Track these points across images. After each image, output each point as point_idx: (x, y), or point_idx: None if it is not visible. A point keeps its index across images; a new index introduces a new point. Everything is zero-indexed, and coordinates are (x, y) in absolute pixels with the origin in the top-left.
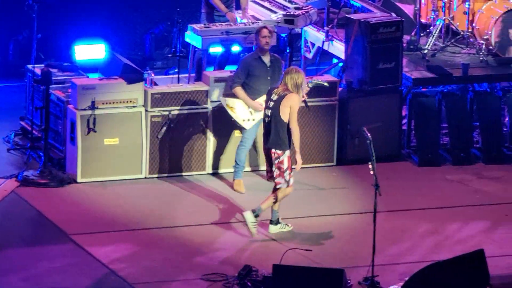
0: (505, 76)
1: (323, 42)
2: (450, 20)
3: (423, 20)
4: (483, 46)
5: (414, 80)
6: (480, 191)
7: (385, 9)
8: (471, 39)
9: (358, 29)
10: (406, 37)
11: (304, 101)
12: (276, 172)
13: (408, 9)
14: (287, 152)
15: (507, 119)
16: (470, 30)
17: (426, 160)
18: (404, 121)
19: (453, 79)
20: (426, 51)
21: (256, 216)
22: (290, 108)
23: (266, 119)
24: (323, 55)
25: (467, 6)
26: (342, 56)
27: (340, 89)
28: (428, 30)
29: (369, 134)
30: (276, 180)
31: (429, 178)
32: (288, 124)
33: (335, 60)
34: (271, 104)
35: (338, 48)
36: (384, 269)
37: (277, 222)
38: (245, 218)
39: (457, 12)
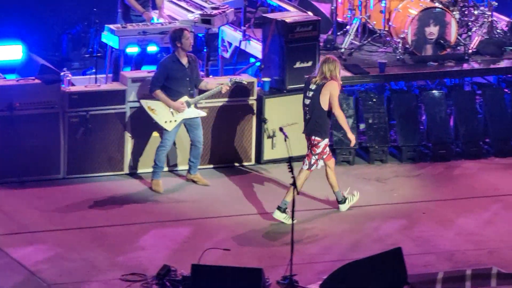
0: (421, 74)
1: (240, 41)
2: (367, 19)
3: (339, 19)
4: (400, 45)
5: None
6: (397, 189)
7: (302, 8)
8: (387, 38)
9: (275, 28)
10: (323, 36)
11: None
12: (307, 152)
13: (325, 8)
14: (326, 140)
15: (424, 117)
16: (386, 29)
17: (341, 158)
18: None
19: (370, 78)
20: (343, 50)
21: (284, 211)
22: (330, 95)
23: (306, 108)
24: (241, 55)
25: (383, 4)
26: (260, 56)
27: (257, 88)
28: (345, 29)
29: (286, 133)
30: (305, 162)
31: (346, 176)
32: (328, 112)
33: (252, 60)
34: (310, 93)
35: (255, 48)
36: (302, 268)
37: (344, 201)
38: (277, 218)
39: (373, 11)
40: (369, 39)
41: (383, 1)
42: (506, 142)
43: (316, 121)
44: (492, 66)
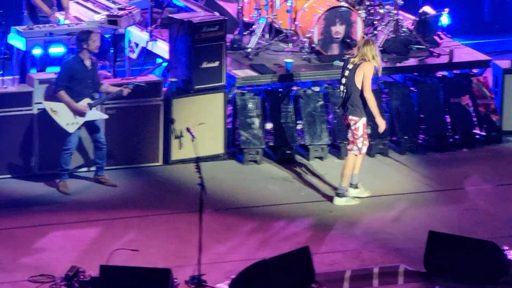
0: (327, 73)
1: (147, 42)
2: (273, 18)
3: (246, 19)
4: (306, 44)
5: (238, 79)
6: (305, 188)
7: (209, 8)
8: (294, 37)
9: (181, 29)
10: (229, 36)
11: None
12: (350, 138)
13: (231, 8)
14: (363, 119)
15: (330, 116)
16: (293, 28)
17: (250, 158)
18: (229, 119)
19: (276, 77)
20: (249, 49)
21: (342, 196)
22: (364, 76)
23: (342, 87)
24: (148, 55)
25: (289, 4)
26: (167, 56)
27: (164, 89)
28: (251, 29)
29: (194, 133)
30: (348, 147)
31: (254, 176)
32: (362, 92)
33: (159, 60)
34: (347, 72)
35: (162, 48)
36: (211, 268)
37: (356, 186)
38: (337, 205)
39: (280, 10)
40: (275, 39)
41: (289, 1)
42: (412, 140)
43: (353, 101)
44: (398, 64)
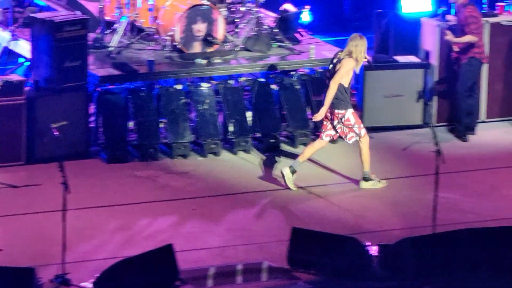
0: (190, 71)
1: (9, 41)
2: (135, 17)
3: (108, 18)
4: (168, 42)
5: (100, 78)
6: (168, 186)
7: (70, 7)
8: (156, 36)
9: (43, 28)
10: (92, 35)
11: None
12: (345, 130)
13: (93, 7)
14: (350, 110)
15: (193, 114)
16: (154, 27)
17: (114, 157)
18: (92, 118)
19: (139, 76)
20: (112, 48)
21: (367, 179)
22: (341, 66)
23: (327, 81)
24: (10, 55)
25: (151, 2)
26: (29, 55)
27: (27, 88)
28: (113, 28)
29: (56, 133)
30: (348, 137)
31: (118, 174)
32: (346, 87)
33: (21, 60)
34: (331, 67)
35: (24, 48)
36: (75, 267)
37: (369, 179)
38: (364, 187)
39: (141, 9)
40: (137, 37)
41: None
42: (275, 137)
43: (336, 95)
44: (259, 62)
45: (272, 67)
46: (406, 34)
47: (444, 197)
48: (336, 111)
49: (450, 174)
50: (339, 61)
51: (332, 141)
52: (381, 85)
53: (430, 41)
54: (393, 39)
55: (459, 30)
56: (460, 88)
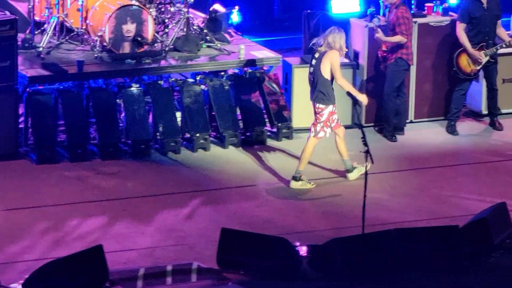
0: (119, 72)
1: None
2: (64, 17)
3: (37, 18)
4: (98, 43)
5: (29, 78)
6: (98, 187)
7: None
8: (85, 36)
9: None
10: (21, 36)
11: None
12: (312, 122)
13: (22, 7)
14: (330, 107)
15: (123, 114)
16: (84, 27)
17: (44, 157)
18: (21, 119)
19: (68, 76)
20: (41, 49)
21: (299, 179)
22: (331, 64)
23: (310, 76)
24: None
25: (80, 3)
26: None
27: None
28: (43, 28)
29: None
30: (310, 128)
31: (47, 175)
32: (331, 80)
33: None
34: (314, 62)
35: None
36: (4, 268)
37: (299, 179)
38: (294, 189)
39: (71, 9)
40: (67, 38)
41: (80, 0)
42: (204, 137)
43: (320, 90)
44: (189, 62)
45: (201, 67)
46: None
47: (373, 197)
48: (317, 105)
49: (379, 174)
50: (322, 55)
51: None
52: None
53: (359, 41)
54: None
55: (389, 30)
56: (388, 89)
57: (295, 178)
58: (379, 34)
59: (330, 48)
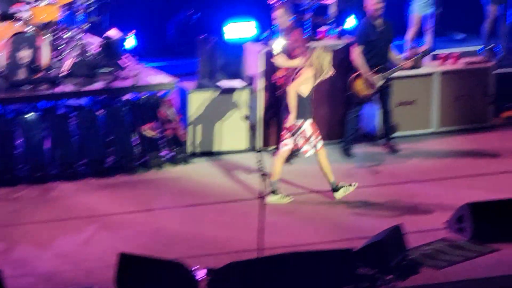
0: (15, 98)
1: None
2: None
3: None
4: None
5: None
6: None
7: None
8: None
9: None
10: None
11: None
12: (300, 141)
13: None
14: (308, 121)
15: (20, 141)
16: None
17: None
18: None
19: None
20: None
21: (337, 189)
22: (299, 76)
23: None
24: None
25: None
26: None
27: None
28: None
29: None
30: (303, 150)
31: None
32: (305, 96)
33: None
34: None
35: None
36: None
37: (338, 187)
38: (271, 202)
39: None
40: None
41: None
42: (101, 163)
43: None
44: (85, 88)
45: (97, 93)
46: (230, 59)
47: (269, 221)
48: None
49: None
50: (299, 71)
51: (294, 152)
52: (206, 110)
53: (253, 65)
54: (218, 64)
55: (285, 54)
56: (287, 113)
57: (334, 190)
58: (281, 59)
59: (309, 65)
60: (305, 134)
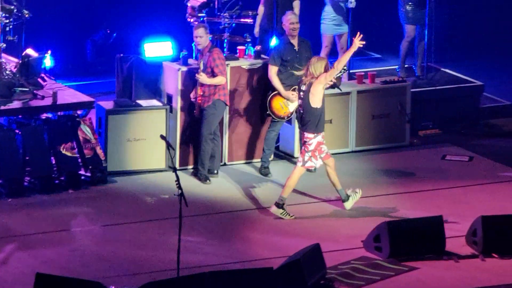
0: None
1: None
2: None
3: None
4: None
5: None
6: None
7: None
8: None
9: None
10: None
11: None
12: (300, 151)
13: None
14: (319, 138)
15: None
16: None
17: None
18: None
19: None
20: None
21: (281, 207)
22: (318, 91)
23: (299, 107)
24: None
25: None
26: None
27: None
28: None
29: None
30: (298, 159)
31: None
32: (318, 110)
33: None
34: (301, 93)
35: None
36: None
37: (281, 206)
38: (274, 213)
39: None
40: None
41: None
42: (19, 182)
43: (308, 119)
44: (2, 107)
45: (14, 112)
46: (149, 78)
47: (188, 240)
48: (306, 134)
49: (194, 217)
50: (310, 86)
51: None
52: (124, 129)
53: (172, 84)
54: (136, 83)
55: (206, 72)
56: (205, 131)
57: (277, 205)
58: (203, 77)
59: (313, 78)
60: (308, 147)
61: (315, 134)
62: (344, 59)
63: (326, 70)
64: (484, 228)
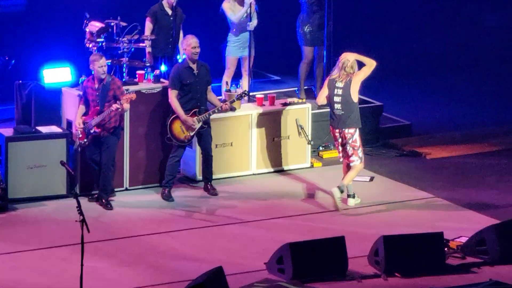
0: None
1: None
2: None
3: None
4: None
5: None
6: None
7: None
8: None
9: None
10: None
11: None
12: (350, 151)
13: None
14: (358, 131)
15: None
16: None
17: None
18: None
19: None
20: None
21: (342, 191)
22: (358, 85)
23: (336, 105)
24: None
25: None
26: None
27: None
28: None
29: None
30: (350, 159)
31: None
32: (356, 104)
33: None
34: (339, 91)
35: None
36: None
37: (354, 196)
38: (332, 193)
39: None
40: None
41: None
42: None
43: (349, 114)
44: None
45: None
46: (48, 104)
47: (90, 266)
48: (346, 130)
49: (96, 243)
50: (349, 81)
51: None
52: (24, 156)
53: (72, 110)
54: (35, 110)
55: (106, 101)
56: (109, 160)
57: (350, 196)
58: (115, 105)
59: (351, 74)
60: (356, 144)
61: (356, 129)
62: (366, 59)
63: (355, 68)
64: (386, 247)
